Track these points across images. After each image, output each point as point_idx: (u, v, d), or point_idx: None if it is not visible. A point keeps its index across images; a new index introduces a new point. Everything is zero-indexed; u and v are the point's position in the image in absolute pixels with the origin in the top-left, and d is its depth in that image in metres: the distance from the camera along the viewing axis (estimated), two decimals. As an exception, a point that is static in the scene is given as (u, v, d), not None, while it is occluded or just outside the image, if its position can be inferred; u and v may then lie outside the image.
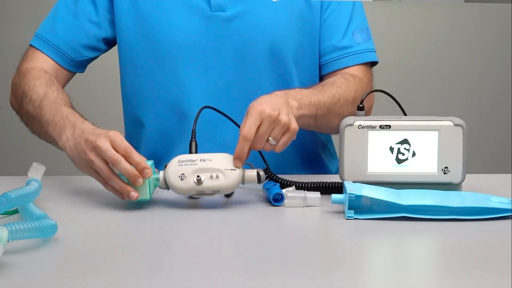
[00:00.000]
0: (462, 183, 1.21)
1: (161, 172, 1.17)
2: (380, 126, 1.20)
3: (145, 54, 1.48)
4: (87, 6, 1.50)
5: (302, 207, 1.18)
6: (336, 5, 1.52)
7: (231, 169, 1.15)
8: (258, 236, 1.06)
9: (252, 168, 1.20)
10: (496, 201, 1.11)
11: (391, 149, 1.20)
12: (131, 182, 1.14)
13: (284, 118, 1.22)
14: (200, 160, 1.16)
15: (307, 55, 1.52)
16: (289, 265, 0.91)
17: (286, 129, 1.23)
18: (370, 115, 1.51)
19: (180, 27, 1.45)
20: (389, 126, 1.20)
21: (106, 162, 1.16)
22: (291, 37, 1.48)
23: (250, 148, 1.20)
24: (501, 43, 3.03)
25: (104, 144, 1.15)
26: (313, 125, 1.39)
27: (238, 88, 1.47)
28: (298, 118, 1.30)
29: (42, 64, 1.48)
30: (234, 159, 1.18)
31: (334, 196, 1.13)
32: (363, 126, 1.20)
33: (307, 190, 1.22)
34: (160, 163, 1.52)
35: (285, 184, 1.26)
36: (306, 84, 1.51)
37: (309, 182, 1.26)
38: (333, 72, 1.52)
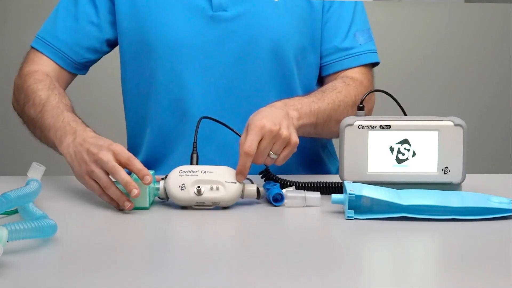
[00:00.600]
0: (462, 183, 1.21)
1: (161, 182, 1.17)
2: (380, 126, 1.20)
3: (146, 54, 1.48)
4: (87, 8, 1.49)
5: (302, 207, 1.18)
6: (337, 6, 1.51)
7: (231, 182, 1.16)
8: (258, 236, 1.06)
9: (252, 183, 1.20)
10: (496, 201, 1.11)
11: (391, 149, 1.20)
12: (128, 191, 1.14)
13: (284, 132, 1.23)
14: (201, 171, 1.17)
15: (308, 55, 1.51)
16: (289, 265, 0.91)
17: (287, 143, 1.24)
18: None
19: (181, 27, 1.45)
20: (389, 126, 1.20)
21: (106, 172, 1.17)
22: (293, 37, 1.48)
23: (252, 163, 1.21)
24: (501, 43, 3.03)
25: (106, 157, 1.16)
26: (313, 132, 1.40)
27: (239, 88, 1.47)
28: (299, 128, 1.31)
29: (44, 67, 1.48)
30: (237, 174, 1.19)
31: (334, 196, 1.13)
32: (363, 126, 1.20)
33: (307, 190, 1.22)
34: (160, 162, 1.52)
35: (285, 184, 1.26)
36: (307, 84, 1.52)
37: (309, 182, 1.26)
38: (334, 74, 1.52)
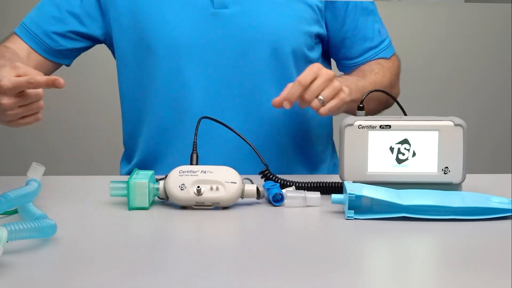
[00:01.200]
0: (462, 183, 1.21)
1: (161, 182, 1.17)
2: (380, 126, 1.20)
3: (145, 51, 1.48)
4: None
5: (302, 207, 1.18)
6: (357, 10, 1.57)
7: (231, 182, 1.16)
8: (258, 236, 1.06)
9: (252, 183, 1.20)
10: (496, 201, 1.11)
11: (391, 149, 1.20)
12: (52, 83, 1.19)
13: (338, 83, 1.32)
14: (201, 171, 1.17)
15: (307, 53, 1.53)
16: (289, 265, 0.91)
17: (337, 93, 1.32)
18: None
19: (182, 25, 1.46)
20: (389, 126, 1.20)
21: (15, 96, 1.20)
22: (292, 35, 1.50)
23: (299, 98, 1.30)
24: (501, 43, 3.04)
25: (7, 82, 1.19)
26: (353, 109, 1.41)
27: (238, 85, 1.47)
28: (349, 103, 1.38)
29: (12, 45, 1.52)
30: (284, 100, 1.29)
31: (334, 196, 1.13)
32: (363, 126, 1.20)
33: (307, 190, 1.22)
34: (157, 161, 1.53)
35: (285, 184, 1.26)
36: None
37: (309, 182, 1.26)
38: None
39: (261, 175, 1.27)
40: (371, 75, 1.53)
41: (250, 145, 1.27)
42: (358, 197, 1.10)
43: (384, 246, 1.03)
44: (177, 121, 1.49)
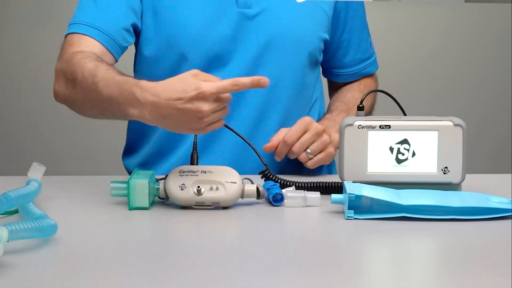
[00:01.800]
0: (462, 183, 1.21)
1: (161, 182, 1.17)
2: (380, 126, 1.20)
3: (168, 50, 1.48)
4: None
5: (302, 207, 1.18)
6: (354, 21, 1.61)
7: (231, 182, 1.16)
8: (258, 236, 1.06)
9: (252, 183, 1.20)
10: (496, 201, 1.11)
11: (391, 149, 1.20)
12: (257, 83, 1.14)
13: (327, 137, 1.38)
14: (201, 171, 1.17)
15: (317, 58, 1.58)
16: (289, 265, 0.91)
17: (325, 147, 1.38)
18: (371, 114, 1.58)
19: (208, 23, 1.47)
20: (389, 126, 1.20)
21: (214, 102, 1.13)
22: (311, 39, 1.53)
23: (287, 152, 1.38)
24: (501, 43, 3.03)
25: (211, 87, 1.11)
26: None
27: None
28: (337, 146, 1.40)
29: (90, 48, 1.41)
30: (275, 155, 1.38)
31: (334, 196, 1.13)
32: (363, 126, 1.20)
33: (307, 190, 1.22)
34: (169, 153, 1.53)
35: (285, 184, 1.26)
36: (311, 82, 1.58)
37: (309, 182, 1.26)
38: (354, 80, 1.66)
39: (261, 175, 1.28)
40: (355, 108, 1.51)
41: (250, 145, 1.27)
42: (358, 197, 1.10)
43: (384, 246, 1.03)
44: None
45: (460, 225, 1.08)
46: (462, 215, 1.09)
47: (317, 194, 1.19)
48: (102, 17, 1.44)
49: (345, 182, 1.15)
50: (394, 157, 1.20)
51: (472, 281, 0.85)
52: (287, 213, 1.16)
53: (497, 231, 1.05)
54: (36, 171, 1.13)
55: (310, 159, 1.39)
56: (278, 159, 1.40)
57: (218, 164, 1.21)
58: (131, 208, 1.15)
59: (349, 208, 1.10)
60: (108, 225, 1.11)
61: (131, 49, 1.56)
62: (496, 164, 3.03)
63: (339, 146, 1.22)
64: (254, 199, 1.19)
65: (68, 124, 2.84)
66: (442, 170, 1.20)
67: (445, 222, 1.09)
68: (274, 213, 1.16)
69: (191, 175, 1.16)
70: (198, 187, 1.15)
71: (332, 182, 1.25)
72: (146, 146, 1.57)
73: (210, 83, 1.12)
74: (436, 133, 1.20)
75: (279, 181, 1.26)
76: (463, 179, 1.20)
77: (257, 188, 1.18)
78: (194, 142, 1.24)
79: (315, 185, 1.25)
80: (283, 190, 1.19)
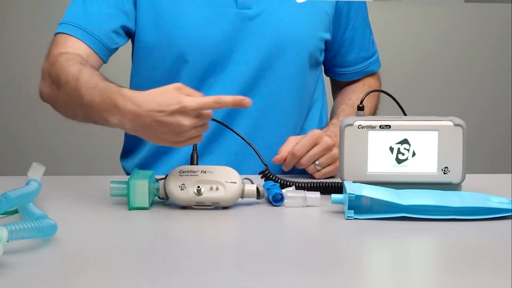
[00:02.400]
0: (462, 183, 1.21)
1: (161, 182, 1.17)
2: (380, 126, 1.20)
3: (166, 50, 1.48)
4: None
5: (302, 207, 1.18)
6: (357, 19, 1.61)
7: (231, 182, 1.16)
8: (258, 236, 1.06)
9: (252, 183, 1.20)
10: (496, 201, 1.11)
11: (391, 149, 1.20)
12: (239, 103, 1.13)
13: (336, 151, 1.37)
14: (201, 171, 1.17)
15: (318, 58, 1.57)
16: (289, 265, 0.91)
17: (333, 161, 1.38)
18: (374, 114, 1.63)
19: (206, 25, 1.46)
20: (389, 126, 1.20)
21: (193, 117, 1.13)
22: (310, 39, 1.53)
23: (296, 164, 1.38)
24: (501, 43, 3.03)
25: (193, 103, 1.11)
26: None
27: (256, 86, 1.49)
28: None
29: (75, 50, 1.42)
30: (283, 167, 1.39)
31: (334, 196, 1.13)
32: (363, 126, 1.20)
33: (307, 190, 1.22)
34: (167, 154, 1.53)
35: (285, 184, 1.26)
36: (312, 84, 1.58)
37: (309, 182, 1.26)
38: (359, 79, 1.66)
39: (261, 175, 1.28)
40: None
41: (250, 145, 1.27)
42: (358, 197, 1.10)
43: (384, 246, 1.03)
44: None
45: (460, 225, 1.08)
46: (462, 215, 1.09)
47: (317, 194, 1.19)
48: (90, 18, 1.44)
49: (345, 182, 1.15)
50: (394, 157, 1.20)
51: (472, 281, 0.85)
52: (287, 213, 1.16)
53: (497, 231, 1.05)
54: (36, 171, 1.13)
55: (318, 171, 1.39)
56: (286, 169, 1.40)
57: (218, 164, 1.21)
58: (131, 208, 1.15)
59: (349, 208, 1.10)
60: (108, 225, 1.11)
61: (128, 51, 1.56)
62: (496, 164, 3.03)
63: (339, 146, 1.22)
64: (254, 199, 1.19)
65: (68, 124, 2.83)
66: (442, 170, 1.20)
67: (445, 222, 1.09)
68: (274, 213, 1.16)
69: (191, 175, 1.16)
70: (198, 187, 1.15)
71: (332, 182, 1.25)
72: (143, 148, 1.57)
73: (193, 98, 1.12)
74: (436, 133, 1.20)
75: (279, 181, 1.26)
76: (463, 179, 1.20)
77: (257, 188, 1.18)
78: None
79: (315, 185, 1.25)
80: (283, 190, 1.19)
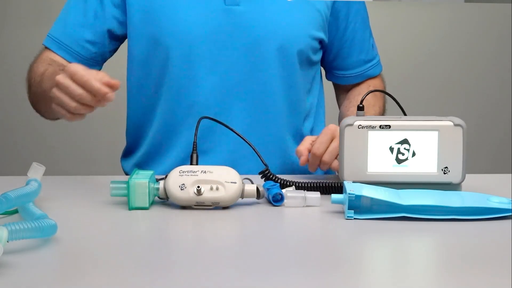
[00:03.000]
0: (462, 183, 1.21)
1: (161, 182, 1.18)
2: (380, 126, 1.20)
3: (157, 46, 1.49)
4: (94, 2, 1.52)
5: (302, 207, 1.18)
6: (357, 21, 1.61)
7: (231, 182, 1.16)
8: (258, 236, 1.06)
9: (252, 183, 1.20)
10: (496, 201, 1.11)
11: (391, 149, 1.20)
12: (102, 96, 1.15)
13: None
14: (201, 171, 1.17)
15: (311, 55, 1.56)
16: (289, 265, 0.91)
17: None
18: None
19: (194, 20, 1.47)
20: (389, 126, 1.20)
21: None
22: (300, 37, 1.52)
23: (320, 163, 1.34)
24: (501, 43, 3.04)
25: (64, 80, 1.17)
26: None
27: (246, 81, 1.50)
28: None
29: (50, 60, 1.50)
30: (308, 168, 1.35)
31: (334, 196, 1.13)
32: (363, 126, 1.20)
33: (307, 190, 1.22)
34: (163, 152, 1.54)
35: (285, 184, 1.26)
36: (306, 82, 1.58)
37: (309, 182, 1.26)
38: (359, 83, 1.66)
39: (261, 175, 1.28)
40: (372, 110, 1.58)
41: (250, 145, 1.27)
42: (358, 197, 1.10)
43: (384, 246, 1.03)
44: (184, 115, 1.51)
45: (460, 225, 1.08)
46: (462, 215, 1.09)
47: (317, 194, 1.19)
48: (67, 29, 1.53)
49: (345, 182, 1.15)
50: (394, 157, 1.20)
51: (472, 281, 0.85)
52: (287, 213, 1.16)
53: (497, 231, 1.05)
54: (36, 171, 1.13)
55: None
56: (312, 171, 1.37)
57: (213, 162, 1.21)
58: (131, 208, 1.15)
59: (349, 208, 1.10)
60: (108, 225, 1.11)
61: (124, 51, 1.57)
62: (496, 164, 3.04)
63: (339, 146, 1.22)
64: (254, 199, 1.19)
65: (68, 124, 2.84)
66: (442, 170, 1.20)
67: (445, 222, 1.09)
68: (274, 213, 1.16)
69: (191, 175, 1.16)
70: (198, 187, 1.15)
71: (332, 182, 1.25)
72: (141, 147, 1.58)
73: (85, 71, 1.16)
74: (436, 133, 1.20)
75: (279, 181, 1.26)
76: (463, 179, 1.20)
77: (257, 188, 1.18)
78: (194, 142, 1.24)
79: (315, 185, 1.25)
80: (283, 190, 1.19)
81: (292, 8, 1.51)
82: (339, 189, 1.23)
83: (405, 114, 1.28)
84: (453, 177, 1.20)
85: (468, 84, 3.06)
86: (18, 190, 1.04)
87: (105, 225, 1.11)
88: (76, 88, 1.16)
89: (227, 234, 1.10)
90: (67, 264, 0.92)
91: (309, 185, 1.25)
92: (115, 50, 1.59)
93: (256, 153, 1.27)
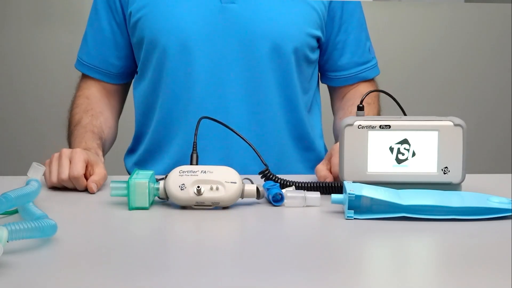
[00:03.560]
0: (462, 183, 1.21)
1: (161, 182, 1.18)
2: (380, 126, 1.20)
3: (153, 45, 1.50)
4: (106, 16, 1.56)
5: (302, 207, 1.18)
6: (351, 23, 1.59)
7: (231, 182, 1.16)
8: (258, 236, 1.06)
9: (252, 183, 1.20)
10: (496, 201, 1.11)
11: (391, 149, 1.20)
12: (88, 187, 1.26)
13: None
14: (201, 171, 1.17)
15: (307, 53, 1.55)
16: (289, 265, 0.91)
17: None
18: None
19: (190, 18, 1.48)
20: (389, 126, 1.20)
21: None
22: (295, 34, 1.52)
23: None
24: (501, 43, 3.03)
25: (64, 160, 1.27)
26: None
27: (242, 79, 1.50)
28: None
29: (86, 90, 1.58)
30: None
31: (334, 196, 1.13)
32: (363, 126, 1.20)
33: (307, 190, 1.22)
34: (161, 150, 1.55)
35: (285, 184, 1.26)
36: (304, 80, 1.57)
37: (309, 182, 1.26)
38: (351, 84, 1.63)
39: (261, 175, 1.27)
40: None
41: (250, 145, 1.27)
42: (358, 197, 1.10)
43: (384, 246, 1.03)
44: (181, 113, 1.51)
45: (460, 225, 1.08)
46: (462, 215, 1.09)
47: (317, 194, 1.19)
48: (90, 49, 1.59)
49: (345, 182, 1.15)
50: (394, 157, 1.20)
51: (472, 281, 0.85)
52: (287, 213, 1.16)
53: (497, 231, 1.05)
54: (36, 171, 1.13)
55: None
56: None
57: (217, 160, 1.21)
58: (131, 208, 1.15)
59: (349, 208, 1.10)
60: (108, 225, 1.11)
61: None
62: (496, 164, 3.03)
63: (339, 146, 1.22)
64: (254, 199, 1.19)
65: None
66: (442, 170, 1.20)
67: (445, 222, 1.09)
68: (274, 213, 1.16)
69: (191, 175, 1.16)
70: (198, 187, 1.15)
71: (332, 182, 1.25)
72: (141, 145, 1.60)
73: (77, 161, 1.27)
74: (436, 133, 1.20)
75: (279, 181, 1.26)
76: (463, 179, 1.20)
77: (257, 188, 1.18)
78: (194, 142, 1.24)
79: (315, 185, 1.25)
80: (283, 190, 1.19)
81: (288, 6, 1.51)
82: (339, 189, 1.23)
83: (405, 114, 1.28)
84: (453, 177, 1.20)
85: (468, 84, 3.05)
86: (18, 190, 1.04)
87: (105, 225, 1.11)
88: (65, 172, 1.25)
89: (227, 234, 1.10)
90: (67, 264, 0.92)
91: (309, 185, 1.25)
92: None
93: (256, 153, 1.27)
